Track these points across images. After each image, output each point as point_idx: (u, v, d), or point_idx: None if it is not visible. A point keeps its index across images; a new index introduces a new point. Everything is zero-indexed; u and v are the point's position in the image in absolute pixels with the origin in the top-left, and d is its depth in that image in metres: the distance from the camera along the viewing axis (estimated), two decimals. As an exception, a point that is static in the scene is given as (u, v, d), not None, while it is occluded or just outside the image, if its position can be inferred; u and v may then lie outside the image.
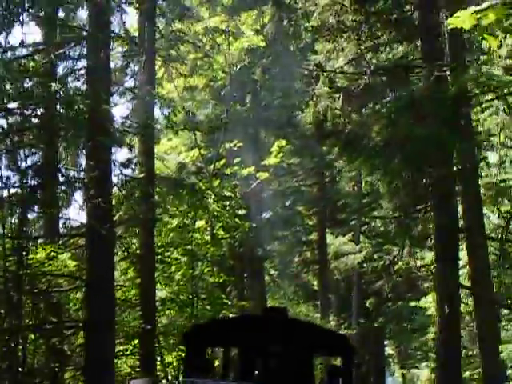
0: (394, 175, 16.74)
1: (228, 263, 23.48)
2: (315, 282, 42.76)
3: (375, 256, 41.40)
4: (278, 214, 28.85)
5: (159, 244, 19.65)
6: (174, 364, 20.42)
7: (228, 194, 20.25)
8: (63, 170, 14.39)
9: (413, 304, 33.61)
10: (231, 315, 16.78)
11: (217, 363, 11.36)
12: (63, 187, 14.67)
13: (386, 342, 44.89)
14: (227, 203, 20.08)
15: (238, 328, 8.52)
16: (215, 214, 19.68)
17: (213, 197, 19.45)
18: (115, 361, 16.82)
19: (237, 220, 20.12)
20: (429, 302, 31.64)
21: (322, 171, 39.46)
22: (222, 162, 22.58)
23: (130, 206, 17.26)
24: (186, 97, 24.66)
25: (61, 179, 14.36)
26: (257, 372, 8.57)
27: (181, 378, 9.93)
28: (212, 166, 22.58)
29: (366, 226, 45.20)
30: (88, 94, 14.74)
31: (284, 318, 8.67)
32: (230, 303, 20.41)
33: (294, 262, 40.08)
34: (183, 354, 10.78)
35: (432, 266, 22.36)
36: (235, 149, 23.14)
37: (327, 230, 41.51)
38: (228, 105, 24.38)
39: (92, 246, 14.28)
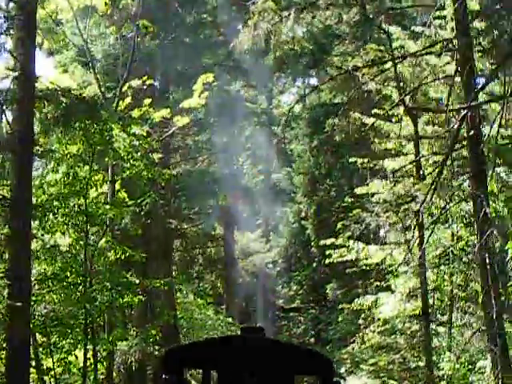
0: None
1: (131, 236, 17.64)
2: (219, 284, 37.18)
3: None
4: (190, 185, 23.15)
5: (39, 198, 13.64)
6: (56, 371, 14.36)
7: (137, 131, 14.41)
8: None
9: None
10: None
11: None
12: None
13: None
14: (136, 143, 14.24)
15: (218, 349, 8.38)
16: (121, 154, 13.81)
17: (117, 130, 13.60)
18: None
19: (152, 171, 14.37)
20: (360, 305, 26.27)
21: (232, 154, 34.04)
22: (127, 100, 16.73)
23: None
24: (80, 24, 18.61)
25: None
26: None
27: None
28: (114, 105, 16.67)
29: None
30: None
31: (264, 338, 8.60)
32: (136, 282, 14.49)
33: (198, 259, 34.41)
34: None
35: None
36: (144, 88, 17.46)
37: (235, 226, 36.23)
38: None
39: None
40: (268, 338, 10.08)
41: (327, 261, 22.90)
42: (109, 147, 13.69)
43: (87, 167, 14.13)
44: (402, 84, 15.77)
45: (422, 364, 22.04)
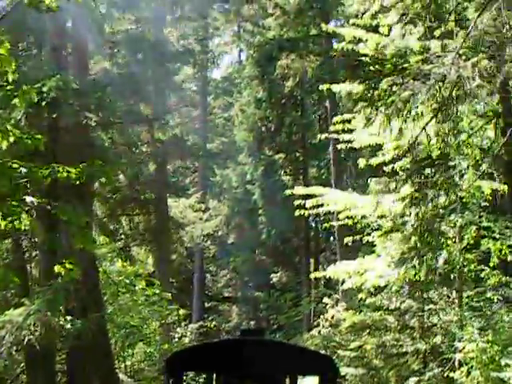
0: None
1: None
2: (150, 260, 30.79)
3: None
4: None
5: None
6: None
7: None
8: None
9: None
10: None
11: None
12: None
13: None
14: None
15: (219, 353, 8.08)
16: None
17: None
18: None
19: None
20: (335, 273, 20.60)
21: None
22: None
23: None
24: None
25: None
26: None
27: None
28: None
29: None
30: None
31: (264, 340, 8.57)
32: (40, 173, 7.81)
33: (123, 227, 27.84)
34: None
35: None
36: None
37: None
38: None
39: None
40: (269, 339, 11.10)
41: (297, 213, 17.21)
42: None
43: None
44: None
45: (422, 347, 16.82)
